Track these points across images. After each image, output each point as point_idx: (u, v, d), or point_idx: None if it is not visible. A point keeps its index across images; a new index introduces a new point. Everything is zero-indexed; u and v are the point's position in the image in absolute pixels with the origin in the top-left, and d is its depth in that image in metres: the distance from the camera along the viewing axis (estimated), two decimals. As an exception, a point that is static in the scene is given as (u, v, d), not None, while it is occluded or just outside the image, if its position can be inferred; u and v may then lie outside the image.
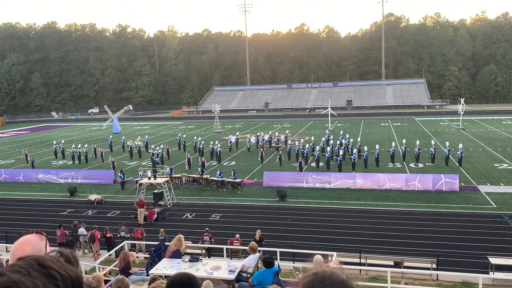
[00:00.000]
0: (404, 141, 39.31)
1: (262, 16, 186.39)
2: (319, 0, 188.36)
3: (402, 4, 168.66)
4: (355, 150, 36.41)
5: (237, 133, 50.94)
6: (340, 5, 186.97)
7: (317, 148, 36.66)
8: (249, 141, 45.61)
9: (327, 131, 51.90)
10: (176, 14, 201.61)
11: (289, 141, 44.90)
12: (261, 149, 40.22)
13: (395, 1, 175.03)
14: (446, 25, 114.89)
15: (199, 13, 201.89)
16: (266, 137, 46.80)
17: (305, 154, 36.68)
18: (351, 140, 41.03)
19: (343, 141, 40.76)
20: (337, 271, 1.42)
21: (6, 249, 19.32)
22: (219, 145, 41.26)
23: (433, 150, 35.61)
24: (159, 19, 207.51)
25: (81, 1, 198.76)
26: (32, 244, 1.90)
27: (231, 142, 46.47)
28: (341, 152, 34.83)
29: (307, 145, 38.34)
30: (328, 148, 37.37)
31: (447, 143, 36.64)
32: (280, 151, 38.78)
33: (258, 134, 48.91)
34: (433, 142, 38.63)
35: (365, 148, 35.74)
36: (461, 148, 34.66)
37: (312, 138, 42.40)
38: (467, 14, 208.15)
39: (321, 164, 35.27)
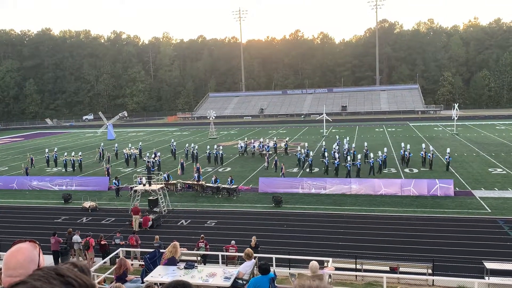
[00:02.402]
0: (402, 144, 39.36)
1: (257, 23, 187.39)
2: (313, 6, 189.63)
3: (395, 10, 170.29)
4: (359, 156, 35.76)
5: (246, 138, 50.77)
6: (334, 11, 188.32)
7: (326, 154, 36.08)
8: (253, 146, 45.64)
9: (337, 136, 50.57)
10: (171, 20, 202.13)
11: (300, 148, 43.58)
12: (266, 155, 40.16)
13: (389, 7, 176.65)
14: (440, 31, 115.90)
15: (194, 20, 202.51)
16: (271, 144, 46.46)
17: (310, 161, 36.12)
18: (353, 145, 40.96)
19: (346, 146, 40.64)
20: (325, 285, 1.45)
21: (0, 257, 19.13)
22: (221, 147, 42.03)
23: (423, 154, 35.88)
24: (154, 25, 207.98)
25: (76, 8, 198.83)
26: (25, 252, 1.88)
27: (241, 147, 46.31)
28: (349, 158, 34.24)
29: (311, 152, 37.62)
30: (336, 155, 36.89)
31: (431, 147, 37.05)
32: (276, 157, 38.75)
33: (261, 140, 48.60)
34: (423, 145, 38.80)
35: (371, 155, 35.09)
36: (448, 153, 34.90)
37: (323, 143, 41.91)
38: (460, 20, 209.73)
39: (316, 170, 35.17)
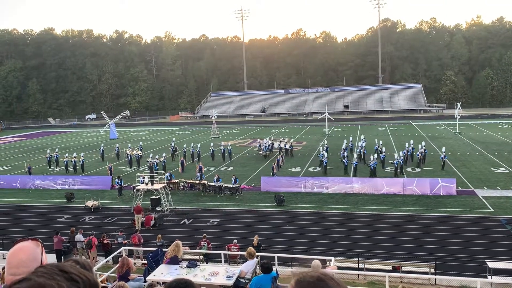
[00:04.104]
0: (413, 144, 39.39)
1: (259, 22, 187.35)
2: (315, 5, 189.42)
3: (398, 9, 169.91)
4: (375, 155, 34.64)
5: (272, 137, 50.48)
6: (337, 10, 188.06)
7: (345, 154, 35.38)
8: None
9: (362, 136, 49.02)
10: (173, 20, 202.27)
11: (321, 149, 40.23)
12: (281, 154, 39.92)
13: (391, 6, 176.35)
14: (442, 30, 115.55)
15: (196, 19, 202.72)
16: (282, 145, 46.14)
17: (325, 162, 34.65)
18: (363, 144, 40.76)
19: (359, 144, 40.22)
20: (327, 274, 1.44)
21: (2, 256, 19.20)
22: (229, 144, 43.26)
23: (420, 152, 36.11)
24: (156, 25, 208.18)
25: (78, 7, 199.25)
26: (28, 251, 1.89)
27: (260, 145, 45.25)
28: (372, 158, 33.47)
29: (326, 154, 36.22)
30: (355, 155, 35.61)
31: (419, 146, 37.09)
32: (278, 156, 38.72)
33: (266, 140, 48.11)
34: (423, 143, 38.95)
35: (395, 155, 33.70)
36: (444, 152, 34.86)
37: (345, 141, 41.59)
38: (463, 19, 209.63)
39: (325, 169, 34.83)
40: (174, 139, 50.48)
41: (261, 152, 43.65)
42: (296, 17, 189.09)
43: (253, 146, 49.81)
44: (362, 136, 47.80)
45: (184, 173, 36.32)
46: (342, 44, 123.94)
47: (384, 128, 65.36)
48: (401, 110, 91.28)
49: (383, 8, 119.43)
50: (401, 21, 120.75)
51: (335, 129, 66.14)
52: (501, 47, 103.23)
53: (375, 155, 34.86)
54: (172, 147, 45.83)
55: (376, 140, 41.88)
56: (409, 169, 34.92)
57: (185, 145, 45.22)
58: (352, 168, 33.40)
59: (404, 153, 36.43)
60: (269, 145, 44.77)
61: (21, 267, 1.83)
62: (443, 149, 36.01)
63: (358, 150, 38.86)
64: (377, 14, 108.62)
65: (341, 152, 38.28)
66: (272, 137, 50.16)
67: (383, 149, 37.18)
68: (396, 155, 33.64)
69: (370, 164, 32.51)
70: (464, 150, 42.77)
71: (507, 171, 32.96)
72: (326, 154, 35.40)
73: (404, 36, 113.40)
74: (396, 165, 32.80)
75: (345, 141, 41.45)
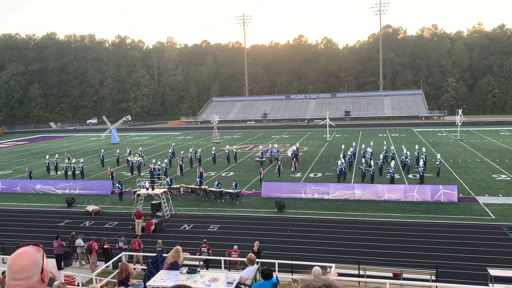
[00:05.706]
0: (418, 149, 39.33)
1: (261, 28, 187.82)
2: (317, 12, 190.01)
3: (399, 16, 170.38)
4: (393, 163, 33.94)
5: (297, 144, 50.50)
6: (338, 17, 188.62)
7: (363, 160, 34.95)
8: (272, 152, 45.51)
9: (385, 142, 48.39)
10: (175, 25, 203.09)
11: (341, 156, 38.34)
12: (293, 160, 39.84)
13: (393, 13, 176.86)
14: (443, 37, 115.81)
15: (198, 25, 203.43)
16: (290, 153, 45.90)
17: (338, 170, 33.69)
18: (369, 149, 40.65)
19: (369, 150, 39.68)
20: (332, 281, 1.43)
21: (3, 260, 19.17)
22: (235, 147, 44.17)
23: (423, 158, 36.06)
24: (158, 30, 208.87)
25: (81, 12, 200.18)
26: (30, 256, 1.89)
27: (274, 151, 44.58)
28: (393, 164, 33.16)
29: (343, 160, 35.22)
30: (372, 162, 35.03)
31: (408, 152, 37.12)
32: (279, 162, 38.68)
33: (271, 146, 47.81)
34: (424, 149, 38.94)
35: (421, 163, 33.02)
36: (439, 158, 34.82)
37: (364, 147, 41.13)
38: (464, 26, 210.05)
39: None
40: (173, 144, 50.46)
41: (257, 159, 43.46)
42: (298, 23, 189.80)
43: (254, 151, 49.90)
44: (384, 142, 47.76)
45: (182, 177, 36.43)
46: (343, 50, 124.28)
47: (385, 135, 65.34)
48: (402, 116, 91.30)
49: (384, 14, 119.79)
50: (402, 28, 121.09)
51: (336, 135, 66.14)
52: (502, 54, 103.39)
53: (393, 162, 34.43)
54: (170, 153, 45.81)
55: (403, 146, 41.78)
56: (410, 176, 34.87)
57: (182, 152, 45.27)
58: (370, 175, 32.87)
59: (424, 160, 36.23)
60: (276, 151, 44.66)
61: (23, 272, 1.83)
62: (438, 155, 35.96)
63: (367, 156, 37.88)
64: (379, 21, 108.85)
65: (347, 159, 38.26)
66: (296, 143, 50.17)
67: (381, 156, 37.15)
68: (421, 163, 33.14)
69: (391, 171, 31.98)
70: (465, 157, 42.72)
71: (508, 178, 32.90)
72: (344, 161, 34.77)
73: (405, 43, 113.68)
74: (421, 174, 32.26)
75: (351, 148, 41.39)
